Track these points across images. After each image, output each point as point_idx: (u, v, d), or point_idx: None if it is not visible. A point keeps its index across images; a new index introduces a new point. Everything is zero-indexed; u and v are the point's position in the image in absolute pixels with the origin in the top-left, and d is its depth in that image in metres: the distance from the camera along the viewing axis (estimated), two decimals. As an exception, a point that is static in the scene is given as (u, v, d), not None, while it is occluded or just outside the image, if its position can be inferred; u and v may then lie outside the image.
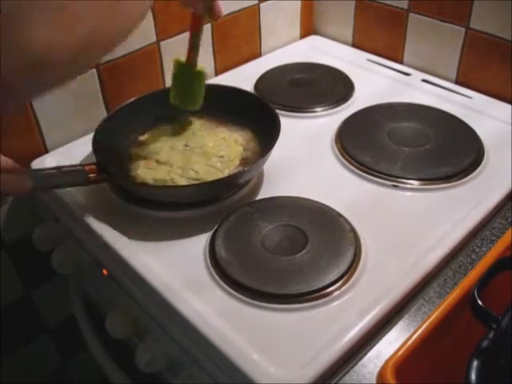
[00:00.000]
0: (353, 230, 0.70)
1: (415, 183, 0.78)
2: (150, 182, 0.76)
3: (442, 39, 1.03)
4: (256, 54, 1.18)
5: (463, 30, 0.99)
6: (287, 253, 0.67)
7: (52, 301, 1.08)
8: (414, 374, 0.48)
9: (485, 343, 0.48)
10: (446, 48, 1.03)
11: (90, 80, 0.92)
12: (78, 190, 0.80)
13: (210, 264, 0.67)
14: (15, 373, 1.10)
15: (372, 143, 0.86)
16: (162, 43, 0.99)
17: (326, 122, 0.94)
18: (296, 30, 1.25)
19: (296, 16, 1.22)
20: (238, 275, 0.64)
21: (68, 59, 0.44)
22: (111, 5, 0.49)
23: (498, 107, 0.96)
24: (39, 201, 0.89)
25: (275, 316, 0.61)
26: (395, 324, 0.62)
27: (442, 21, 1.02)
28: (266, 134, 0.81)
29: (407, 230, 0.71)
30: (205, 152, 0.81)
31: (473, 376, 0.46)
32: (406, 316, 0.63)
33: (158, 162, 0.79)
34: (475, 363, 0.47)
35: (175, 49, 1.01)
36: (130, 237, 0.72)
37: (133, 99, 0.87)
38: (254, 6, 1.11)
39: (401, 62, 1.13)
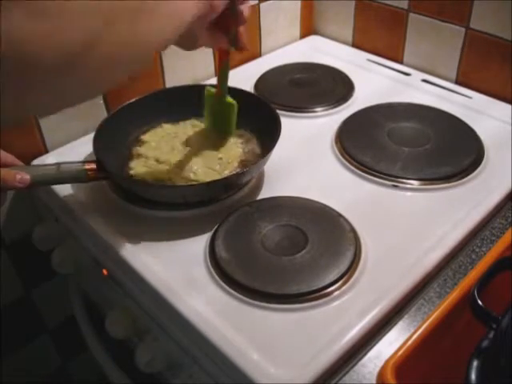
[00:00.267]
0: (353, 230, 0.70)
1: (415, 183, 0.78)
2: (149, 180, 0.76)
3: (442, 39, 1.03)
4: (256, 54, 1.18)
5: (463, 29, 0.99)
6: (287, 253, 0.67)
7: (52, 301, 1.08)
8: (414, 373, 0.48)
9: (485, 343, 0.48)
10: (446, 48, 1.03)
11: (90, 80, 0.92)
12: (78, 189, 0.80)
13: (210, 264, 0.67)
14: (15, 373, 1.10)
15: (372, 143, 0.86)
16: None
17: (326, 122, 0.94)
18: (296, 30, 1.25)
19: (296, 16, 1.22)
20: (237, 275, 0.64)
21: (58, 60, 0.40)
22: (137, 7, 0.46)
23: (498, 107, 0.96)
24: (39, 200, 0.89)
25: (275, 316, 0.61)
26: (395, 324, 0.62)
27: (442, 21, 1.02)
28: (266, 135, 0.81)
29: (407, 230, 0.71)
30: (204, 153, 0.81)
31: (473, 376, 0.46)
32: (406, 316, 0.63)
33: (157, 161, 0.80)
34: (475, 363, 0.47)
35: (175, 48, 1.01)
36: (130, 237, 0.72)
37: (134, 99, 0.87)
38: (253, 6, 1.11)
39: (401, 62, 1.13)
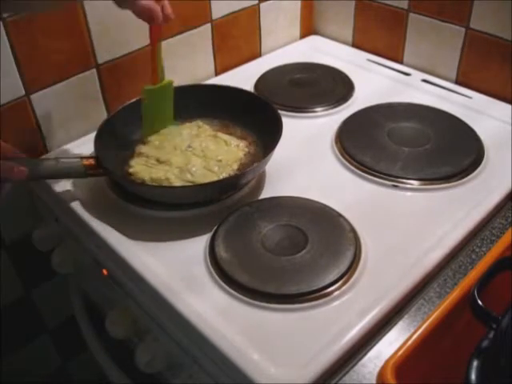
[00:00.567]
0: (353, 230, 0.70)
1: (415, 183, 0.78)
2: (146, 179, 0.76)
3: (442, 39, 1.03)
4: (256, 54, 1.18)
5: (463, 29, 0.99)
6: (287, 253, 0.67)
7: (52, 301, 1.08)
8: (414, 374, 0.48)
9: (485, 343, 0.48)
10: (446, 48, 1.03)
11: (90, 80, 0.92)
12: (78, 189, 0.80)
13: (210, 264, 0.67)
14: (15, 373, 1.10)
15: (372, 143, 0.86)
16: (163, 43, 0.99)
17: (326, 122, 0.94)
18: (296, 30, 1.25)
19: (296, 16, 1.22)
20: (238, 275, 0.64)
21: None
22: None
23: (498, 107, 0.96)
24: (39, 200, 0.89)
25: (275, 316, 0.61)
26: (395, 324, 0.62)
27: (442, 21, 1.02)
28: (267, 136, 0.81)
29: (407, 230, 0.71)
30: (205, 154, 0.81)
31: (473, 376, 0.46)
32: (406, 316, 0.63)
33: (158, 160, 0.80)
34: (475, 363, 0.47)
35: (175, 49, 1.01)
36: (130, 237, 0.72)
37: (135, 99, 0.87)
38: (253, 5, 1.11)
39: (401, 62, 1.13)
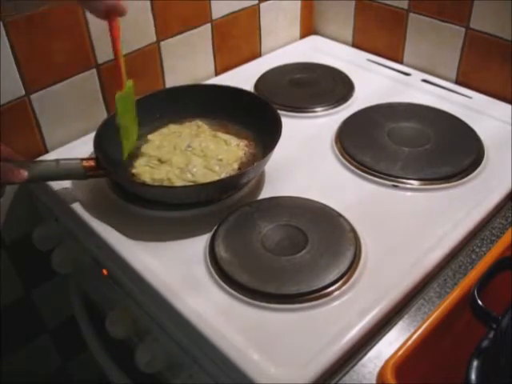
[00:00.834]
0: (353, 230, 0.70)
1: (415, 183, 0.78)
2: (148, 180, 0.76)
3: (442, 39, 1.03)
4: (256, 54, 1.18)
5: (463, 29, 0.99)
6: (287, 253, 0.67)
7: (52, 301, 1.08)
8: (414, 374, 0.48)
9: (485, 343, 0.48)
10: (446, 48, 1.03)
11: (90, 80, 0.92)
12: (78, 189, 0.80)
13: (209, 264, 0.67)
14: (15, 373, 1.10)
15: (372, 143, 0.86)
16: (162, 43, 0.99)
17: (326, 122, 0.94)
18: (296, 30, 1.25)
19: (296, 16, 1.22)
20: (238, 275, 0.64)
21: None
22: None
23: (498, 107, 0.96)
24: (39, 200, 0.89)
25: (275, 316, 0.61)
26: (395, 324, 0.62)
27: (442, 21, 1.02)
28: (267, 136, 0.81)
29: (407, 230, 0.71)
30: (205, 154, 0.81)
31: (473, 376, 0.46)
32: (406, 316, 0.63)
33: (159, 160, 0.80)
34: (475, 363, 0.47)
35: (175, 49, 1.02)
36: (130, 236, 0.72)
37: (135, 98, 0.86)
38: (253, 5, 1.11)
39: (401, 62, 1.13)
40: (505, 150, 0.85)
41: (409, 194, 0.78)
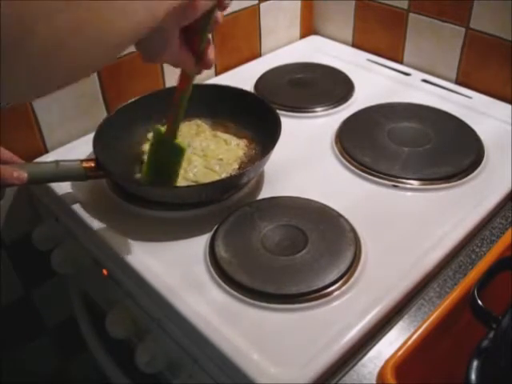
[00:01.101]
0: (353, 230, 0.70)
1: (415, 183, 0.78)
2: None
3: (442, 39, 1.03)
4: (256, 54, 1.18)
5: (463, 29, 0.99)
6: (287, 253, 0.67)
7: (52, 301, 1.08)
8: (414, 374, 0.48)
9: (485, 343, 0.48)
10: (446, 48, 1.03)
11: (89, 80, 0.92)
12: (78, 189, 0.80)
13: (209, 264, 0.67)
14: (15, 373, 1.10)
15: (372, 143, 0.86)
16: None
17: (326, 122, 0.94)
18: (296, 30, 1.25)
19: (296, 16, 1.22)
20: (238, 275, 0.64)
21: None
22: None
23: (498, 107, 0.96)
24: (39, 200, 0.89)
25: (275, 316, 0.61)
26: (395, 324, 0.62)
27: (442, 21, 1.02)
28: (266, 136, 0.81)
29: (407, 230, 0.71)
30: (205, 154, 0.81)
31: (473, 376, 0.46)
32: (406, 316, 0.63)
33: None
34: (475, 363, 0.47)
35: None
36: (130, 236, 0.72)
37: (134, 98, 0.87)
38: (253, 6, 1.11)
39: (401, 62, 1.13)
40: (505, 150, 0.85)
41: (409, 194, 0.78)
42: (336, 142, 0.88)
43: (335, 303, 0.62)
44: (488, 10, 0.94)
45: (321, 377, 0.55)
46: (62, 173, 0.72)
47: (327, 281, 0.63)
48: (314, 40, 1.25)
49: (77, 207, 0.78)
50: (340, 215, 0.72)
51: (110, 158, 0.77)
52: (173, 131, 0.70)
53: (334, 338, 0.58)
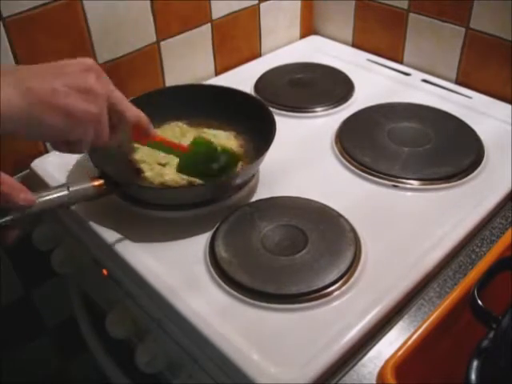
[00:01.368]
0: (353, 230, 0.70)
1: (415, 183, 0.78)
2: (158, 184, 0.76)
3: (442, 39, 1.03)
4: (256, 54, 1.18)
5: (463, 30, 0.99)
6: (287, 253, 0.67)
7: (52, 301, 1.08)
8: (414, 374, 0.48)
9: (485, 343, 0.48)
10: (446, 48, 1.03)
11: (90, 80, 0.92)
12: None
13: (210, 264, 0.67)
14: (15, 373, 1.10)
15: (372, 143, 0.86)
16: (162, 43, 0.99)
17: (326, 122, 0.94)
18: (296, 30, 1.25)
19: (296, 16, 1.22)
20: (238, 275, 0.64)
21: None
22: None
23: (498, 107, 0.96)
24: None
25: (275, 316, 0.61)
26: (395, 324, 0.62)
27: (442, 21, 1.02)
28: (262, 137, 0.81)
29: (407, 230, 0.71)
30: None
31: (473, 376, 0.46)
32: (406, 316, 0.63)
33: (159, 164, 0.79)
34: (475, 363, 0.46)
35: (175, 49, 1.02)
36: (130, 237, 0.72)
37: (131, 98, 0.86)
38: (253, 5, 1.11)
39: (401, 61, 1.13)
40: (505, 150, 0.85)
41: (409, 194, 0.78)
42: (336, 142, 0.88)
43: (335, 303, 0.62)
44: (488, 10, 0.94)
45: (321, 377, 0.55)
46: (74, 199, 0.67)
47: (327, 281, 0.63)
48: (313, 40, 1.25)
49: (76, 207, 0.78)
50: (340, 215, 0.72)
51: (111, 166, 0.74)
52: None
53: (334, 337, 0.58)
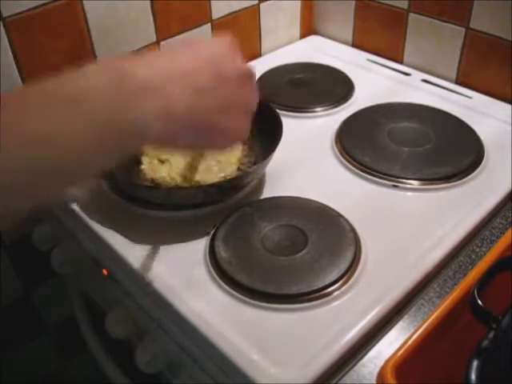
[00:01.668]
0: (353, 230, 0.70)
1: (415, 183, 0.78)
2: (150, 179, 0.77)
3: (442, 39, 1.03)
4: (256, 54, 1.18)
5: (463, 29, 0.99)
6: (287, 253, 0.67)
7: (52, 301, 1.08)
8: (414, 374, 0.48)
9: (485, 343, 0.48)
10: (446, 48, 1.03)
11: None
12: (77, 189, 0.80)
13: (210, 264, 0.67)
14: (15, 373, 1.10)
15: (372, 143, 0.86)
16: (162, 43, 0.99)
17: (326, 122, 0.94)
18: (296, 30, 1.25)
19: (296, 16, 1.22)
20: (237, 275, 0.64)
21: None
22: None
23: (498, 107, 0.96)
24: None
25: (275, 316, 0.61)
26: (395, 324, 0.62)
27: (442, 21, 1.02)
28: (267, 137, 0.80)
29: (407, 230, 0.71)
30: (203, 155, 0.80)
31: (473, 376, 0.46)
32: (406, 316, 0.63)
33: (159, 160, 0.80)
34: (475, 363, 0.46)
35: (175, 49, 1.01)
36: (129, 236, 0.72)
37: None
38: (253, 5, 1.11)
39: (401, 61, 1.13)
40: (505, 150, 0.84)
41: (409, 194, 0.78)
42: (336, 142, 0.88)
43: (335, 303, 0.62)
44: (488, 9, 0.94)
45: (321, 377, 0.55)
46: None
47: (327, 281, 0.63)
48: (313, 40, 1.25)
49: (77, 207, 0.78)
50: (340, 215, 0.72)
51: None
52: None
53: (334, 337, 0.58)
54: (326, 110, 0.97)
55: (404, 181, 0.78)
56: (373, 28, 1.14)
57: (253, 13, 1.12)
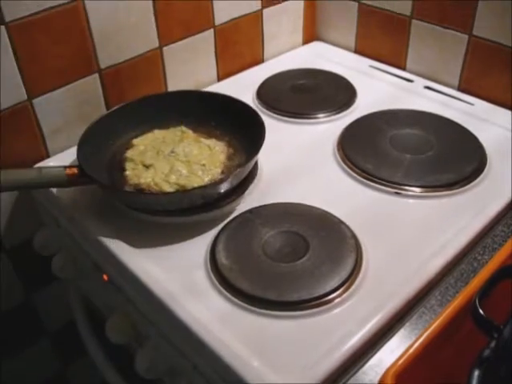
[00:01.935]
0: (354, 237, 0.70)
1: (417, 190, 0.78)
2: (135, 184, 0.78)
3: (445, 46, 1.03)
4: (258, 60, 1.19)
5: (466, 36, 0.99)
6: (288, 259, 0.67)
7: (52, 305, 1.08)
8: (414, 382, 0.48)
9: (486, 352, 0.48)
10: (449, 55, 1.03)
11: (92, 85, 0.92)
12: (78, 194, 0.80)
13: (210, 270, 0.67)
14: (15, 377, 1.09)
15: (374, 150, 0.86)
16: (165, 48, 0.99)
17: (328, 129, 0.94)
18: (298, 36, 1.25)
19: (299, 22, 1.22)
20: (238, 282, 0.64)
21: None
22: None
23: (501, 114, 0.96)
24: (40, 205, 0.89)
25: (276, 323, 0.61)
26: (396, 332, 0.62)
27: (445, 27, 1.02)
28: (251, 141, 0.81)
29: (409, 237, 0.71)
30: (188, 159, 0.81)
31: (474, 386, 0.46)
32: (407, 324, 0.63)
33: (143, 165, 0.80)
34: (476, 373, 0.46)
35: (178, 54, 1.02)
36: (130, 242, 0.72)
37: (121, 104, 0.88)
38: (256, 11, 1.11)
39: (403, 68, 1.13)
40: (507, 158, 0.84)
41: (411, 201, 0.77)
42: (338, 149, 0.87)
43: (336, 310, 0.62)
44: (491, 17, 0.94)
45: (321, 384, 0.55)
46: (45, 179, 0.73)
47: (328, 288, 0.63)
48: (316, 46, 1.25)
49: (77, 212, 0.78)
50: (341, 222, 0.72)
51: (96, 162, 0.78)
52: None
53: (334, 345, 0.58)
54: (328, 116, 0.97)
55: (406, 188, 0.78)
56: (375, 34, 1.15)
57: (255, 18, 1.12)
